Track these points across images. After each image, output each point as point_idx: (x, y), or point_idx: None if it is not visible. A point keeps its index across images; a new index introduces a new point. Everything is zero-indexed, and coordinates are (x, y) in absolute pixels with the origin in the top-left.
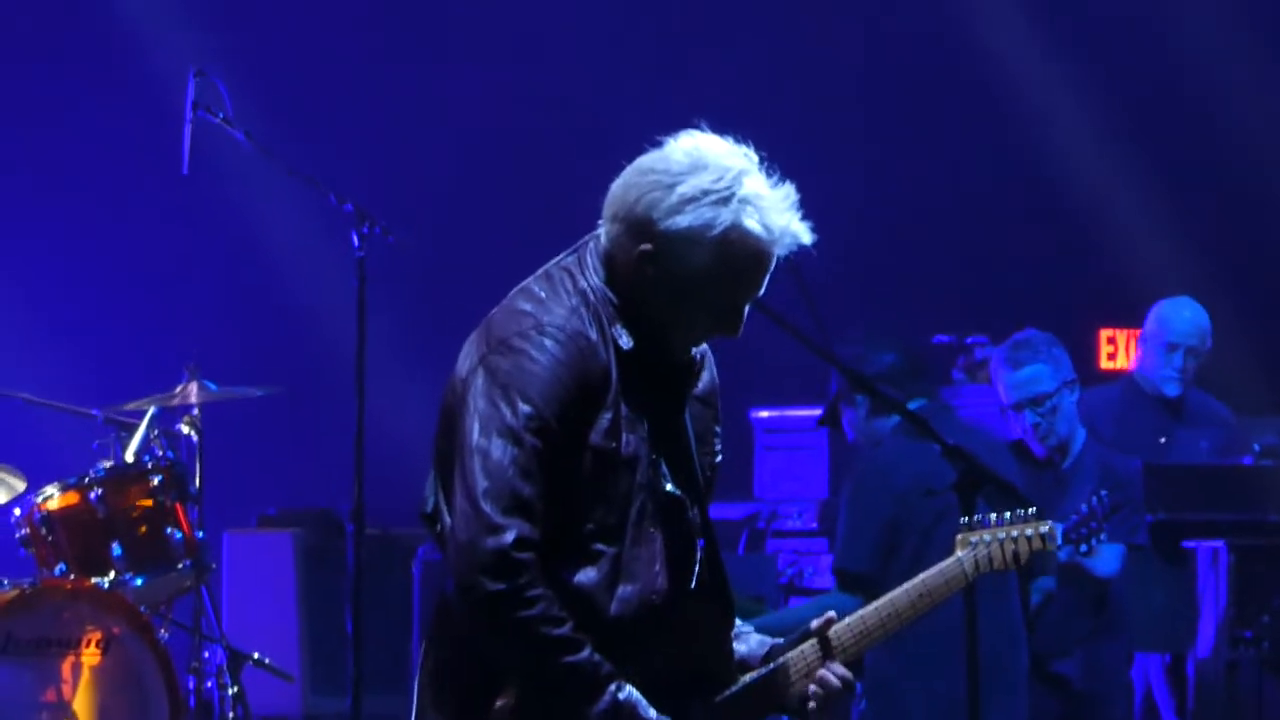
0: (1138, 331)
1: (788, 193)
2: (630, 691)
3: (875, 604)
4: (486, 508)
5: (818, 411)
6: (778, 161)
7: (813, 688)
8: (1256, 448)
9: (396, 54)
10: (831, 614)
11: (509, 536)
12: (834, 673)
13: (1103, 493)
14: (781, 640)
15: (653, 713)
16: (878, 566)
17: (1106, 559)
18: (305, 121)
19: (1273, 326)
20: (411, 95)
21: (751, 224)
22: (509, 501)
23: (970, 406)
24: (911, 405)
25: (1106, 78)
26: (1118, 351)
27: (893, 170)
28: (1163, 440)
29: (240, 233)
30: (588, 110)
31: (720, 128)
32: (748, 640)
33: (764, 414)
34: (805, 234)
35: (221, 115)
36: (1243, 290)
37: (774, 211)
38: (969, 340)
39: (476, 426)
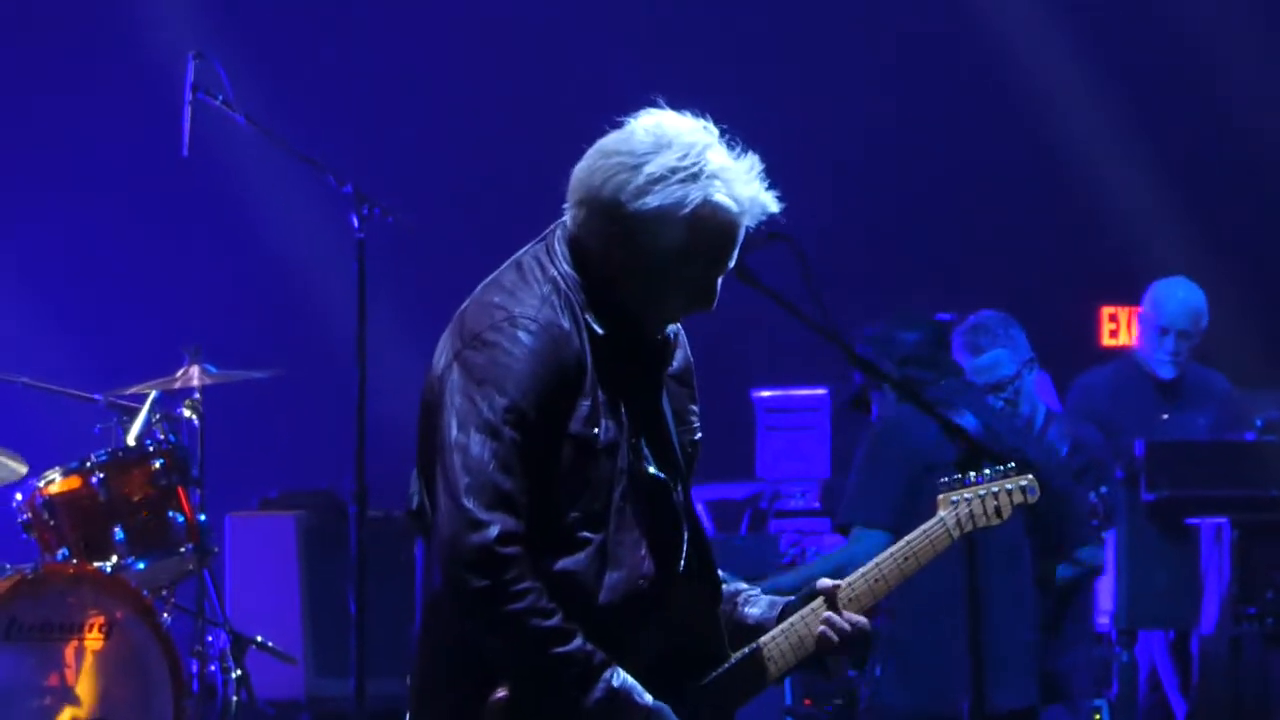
0: (1139, 309)
1: (752, 163)
2: (625, 678)
3: (862, 570)
4: (469, 504)
5: (820, 391)
6: (777, 139)
7: (824, 629)
8: (1259, 423)
9: (397, 35)
10: (827, 581)
11: (493, 531)
12: (847, 620)
13: (1103, 489)
14: (793, 599)
15: (648, 698)
16: (895, 520)
17: (1085, 554)
18: (304, 104)
19: (1274, 300)
20: (411, 77)
21: (721, 198)
22: (491, 496)
23: None
24: (943, 384)
25: (1109, 52)
26: (1119, 328)
27: (893, 146)
28: (1165, 417)
29: (240, 215)
30: (591, 93)
31: (718, 103)
32: (758, 603)
33: (766, 394)
34: (772, 203)
35: (221, 98)
36: (1244, 265)
37: (740, 183)
38: (970, 319)
39: (455, 423)
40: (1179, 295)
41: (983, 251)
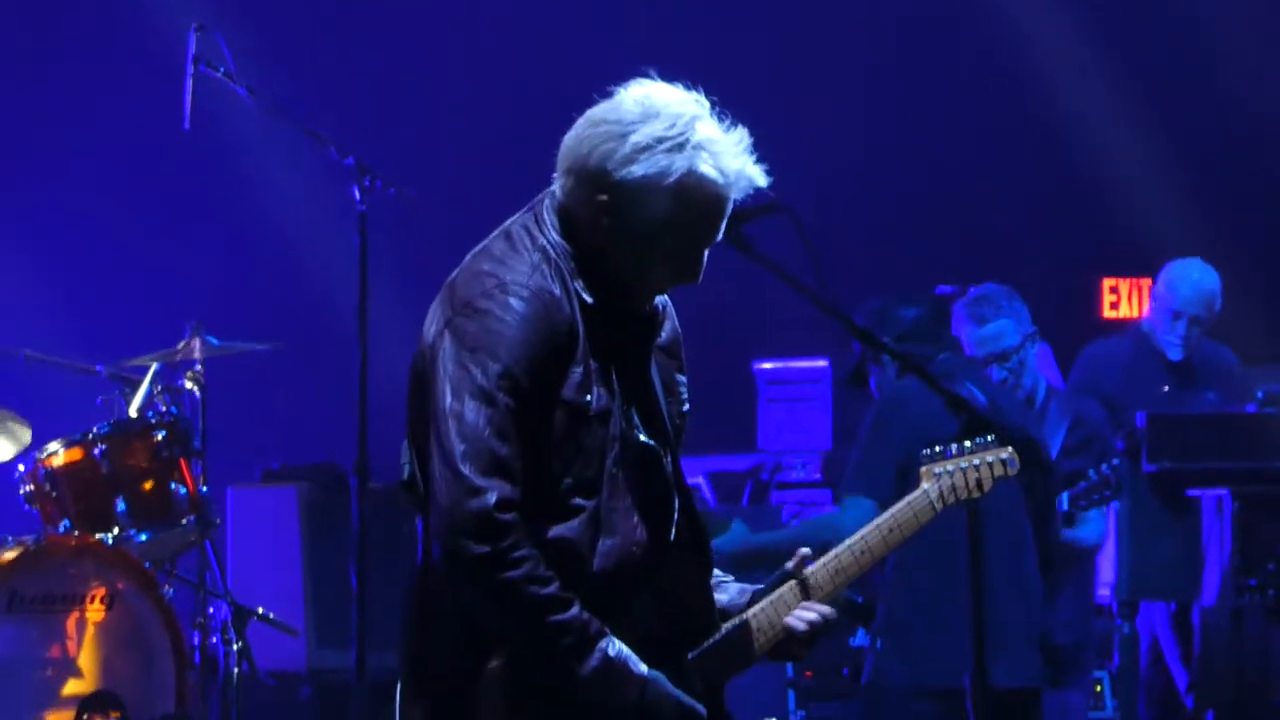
0: (1140, 281)
1: (740, 136)
2: (620, 648)
3: (848, 542)
4: (465, 470)
5: (821, 363)
6: (779, 113)
7: (793, 621)
8: (1259, 395)
9: (399, 8)
10: (806, 551)
11: (491, 498)
12: (814, 611)
13: (1114, 460)
14: (761, 586)
15: (643, 667)
16: (888, 493)
17: (1091, 528)
18: (305, 76)
19: (1275, 275)
20: (413, 50)
21: (706, 169)
22: (487, 462)
23: None
24: (941, 358)
25: (1110, 26)
26: (1120, 300)
27: (894, 120)
28: (1165, 389)
29: (242, 187)
30: (591, 61)
31: (717, 77)
32: (727, 589)
33: (767, 365)
34: (760, 176)
35: (222, 70)
36: (1245, 239)
37: (728, 155)
38: (972, 291)
39: (448, 390)
40: (1194, 278)
41: (984, 224)
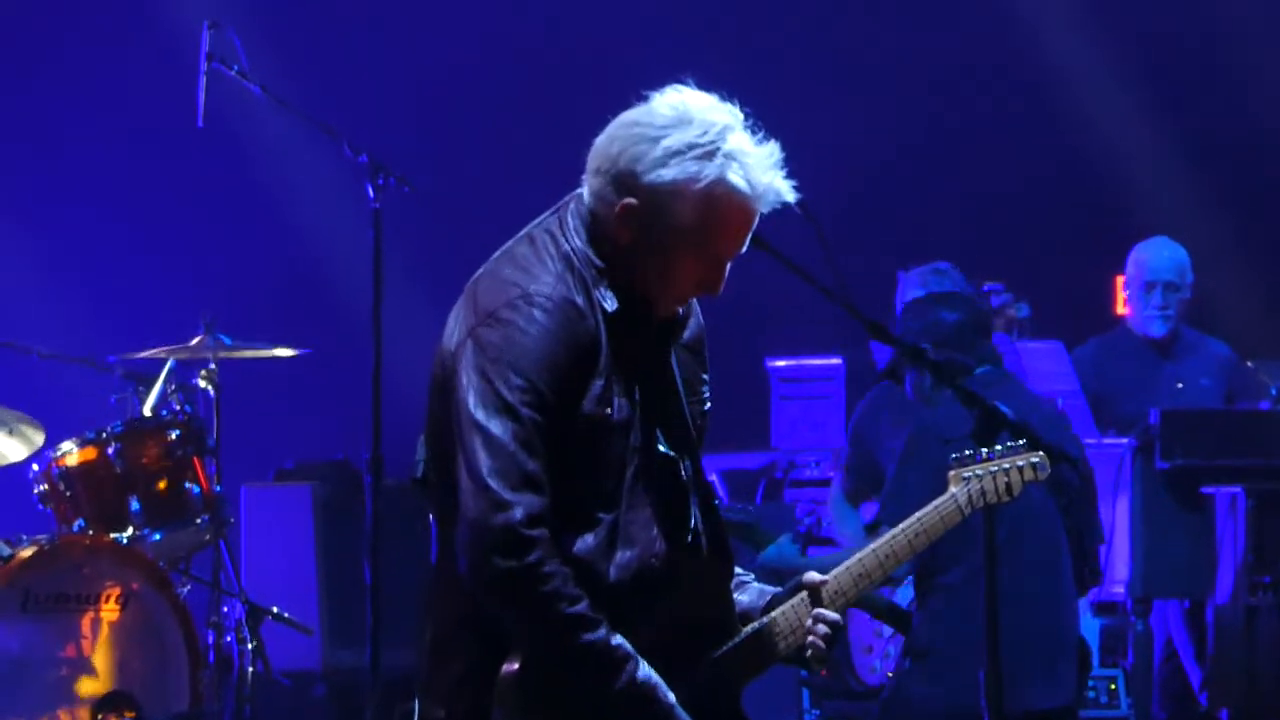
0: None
1: (772, 150)
2: (649, 674)
3: (873, 545)
4: (494, 485)
5: (835, 360)
6: (779, 104)
7: (810, 638)
8: (1274, 391)
9: (413, 3)
10: (814, 574)
11: (518, 513)
12: (823, 620)
13: None
14: (781, 589)
15: (672, 697)
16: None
17: None
18: (319, 73)
19: None
20: (428, 46)
21: (735, 179)
22: (516, 478)
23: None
24: (979, 372)
25: (1125, 21)
26: None
27: (910, 117)
28: (1179, 385)
29: (256, 185)
30: (607, 59)
31: (727, 70)
32: (749, 590)
33: (780, 363)
34: (788, 192)
35: (236, 67)
36: (1258, 238)
37: (758, 168)
38: (985, 288)
39: (472, 402)
40: (1164, 253)
41: (998, 221)
